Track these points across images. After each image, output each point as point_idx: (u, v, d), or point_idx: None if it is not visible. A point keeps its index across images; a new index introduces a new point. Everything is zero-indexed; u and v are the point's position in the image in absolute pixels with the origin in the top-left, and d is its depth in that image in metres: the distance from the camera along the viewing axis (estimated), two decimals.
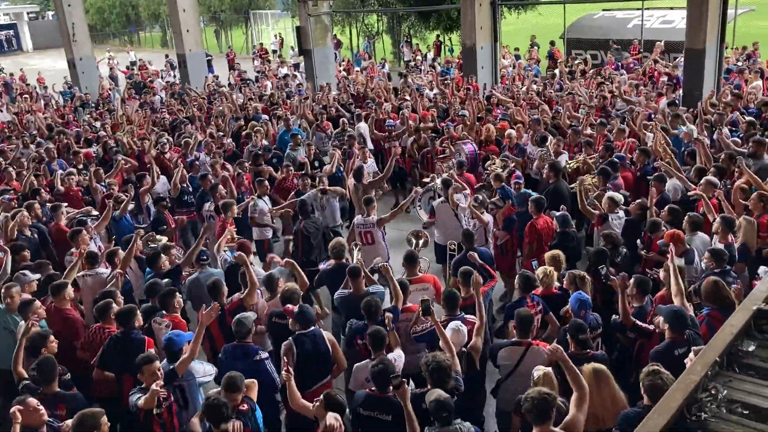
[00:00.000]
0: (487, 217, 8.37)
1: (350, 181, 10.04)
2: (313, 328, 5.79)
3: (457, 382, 4.96)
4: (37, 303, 6.33)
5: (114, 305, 6.25)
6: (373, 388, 5.02)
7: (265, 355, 5.86)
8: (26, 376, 5.50)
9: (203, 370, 5.59)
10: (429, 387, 4.81)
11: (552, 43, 22.73)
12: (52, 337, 5.83)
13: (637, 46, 20.06)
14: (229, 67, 27.36)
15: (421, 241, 7.58)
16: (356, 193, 9.80)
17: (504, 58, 20.59)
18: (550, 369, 4.84)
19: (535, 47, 22.75)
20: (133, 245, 7.44)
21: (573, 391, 4.52)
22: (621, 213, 8.00)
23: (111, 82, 24.21)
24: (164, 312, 6.30)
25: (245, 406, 4.86)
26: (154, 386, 4.96)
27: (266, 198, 9.79)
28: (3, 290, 6.66)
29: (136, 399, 5.07)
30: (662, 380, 4.21)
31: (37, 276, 7.26)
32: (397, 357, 5.54)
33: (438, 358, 4.82)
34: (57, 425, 4.88)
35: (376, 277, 6.86)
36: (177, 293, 6.41)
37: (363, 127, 13.10)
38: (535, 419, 4.18)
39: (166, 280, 6.98)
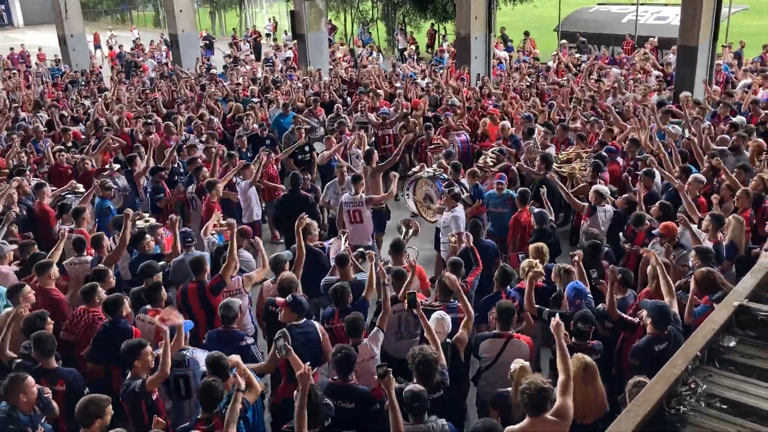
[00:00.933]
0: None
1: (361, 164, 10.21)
2: (305, 319, 5.71)
3: (443, 376, 4.98)
4: (27, 288, 6.24)
5: (100, 288, 6.18)
6: (335, 377, 5.03)
7: (250, 340, 5.85)
8: (14, 356, 5.46)
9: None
10: (414, 380, 4.81)
11: (526, 34, 22.71)
12: (48, 318, 5.75)
13: (630, 41, 20.08)
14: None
15: (411, 230, 7.58)
16: (365, 174, 9.82)
17: (497, 48, 20.56)
18: (527, 363, 4.86)
19: (529, 40, 22.72)
20: (126, 227, 7.22)
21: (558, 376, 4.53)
22: (607, 206, 8.04)
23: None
24: (149, 307, 6.15)
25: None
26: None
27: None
28: None
29: (139, 382, 5.02)
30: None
31: (13, 247, 7.22)
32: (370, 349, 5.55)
33: (425, 351, 4.82)
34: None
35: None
36: (163, 287, 6.26)
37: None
38: (531, 411, 4.20)
39: (162, 263, 6.88)
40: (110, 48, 27.74)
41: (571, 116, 11.73)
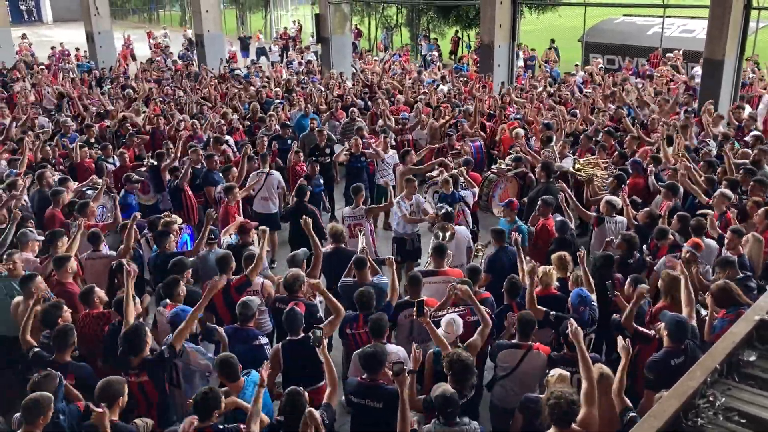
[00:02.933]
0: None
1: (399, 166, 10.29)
2: (302, 335, 5.58)
3: (474, 380, 4.98)
4: (39, 278, 6.32)
5: (96, 290, 6.24)
6: (364, 376, 5.04)
7: (264, 340, 5.89)
8: (35, 344, 5.54)
9: (204, 362, 5.56)
10: (449, 383, 4.81)
11: (552, 41, 22.64)
12: (65, 307, 5.84)
13: (658, 53, 19.88)
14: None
15: (447, 234, 7.56)
16: (400, 176, 9.91)
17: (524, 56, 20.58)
18: (566, 373, 4.84)
19: (553, 49, 22.66)
20: (130, 229, 7.31)
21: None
22: (619, 218, 7.99)
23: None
24: (167, 301, 6.20)
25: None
26: None
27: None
28: (5, 257, 6.72)
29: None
30: None
31: (41, 239, 7.34)
32: (396, 351, 5.56)
33: (462, 356, 4.83)
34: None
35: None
36: (181, 282, 6.30)
37: None
38: (556, 421, 4.20)
39: (192, 259, 6.97)
40: (126, 46, 27.99)
41: (594, 127, 11.70)
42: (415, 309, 5.52)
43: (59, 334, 5.35)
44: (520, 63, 20.61)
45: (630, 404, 4.57)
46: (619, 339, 4.79)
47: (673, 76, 16.52)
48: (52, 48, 25.32)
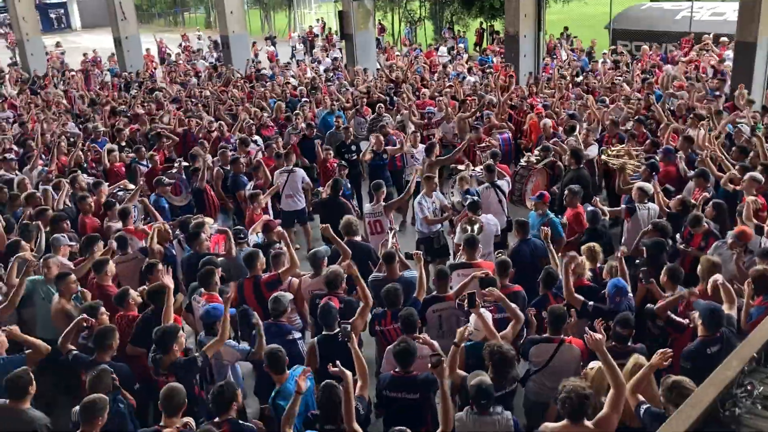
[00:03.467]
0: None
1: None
2: (337, 329, 5.63)
3: (515, 372, 5.02)
4: (72, 277, 6.46)
5: (131, 292, 6.35)
6: (397, 369, 5.08)
7: (298, 335, 5.97)
8: (72, 348, 5.66)
9: (233, 354, 5.67)
10: (489, 374, 4.84)
11: (566, 28, 22.31)
12: (102, 309, 5.96)
13: (691, 39, 19.46)
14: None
15: (476, 227, 7.54)
16: (424, 168, 9.96)
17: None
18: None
19: (578, 38, 22.36)
20: (153, 236, 7.45)
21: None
22: (650, 204, 7.89)
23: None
24: (203, 290, 6.36)
25: None
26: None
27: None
28: (41, 261, 6.86)
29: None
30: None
31: (73, 243, 7.49)
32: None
33: (503, 349, 4.85)
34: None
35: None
36: (216, 272, 6.43)
37: None
38: (570, 417, 4.20)
39: (221, 259, 7.06)
40: (159, 50, 28.31)
41: (624, 115, 11.56)
42: (466, 301, 5.51)
43: (100, 334, 5.47)
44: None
45: (642, 399, 4.51)
46: (588, 334, 4.68)
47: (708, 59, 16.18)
48: (85, 54, 25.78)
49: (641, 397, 4.53)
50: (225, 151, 10.48)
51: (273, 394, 5.03)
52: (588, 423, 4.22)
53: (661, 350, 4.65)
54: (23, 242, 7.44)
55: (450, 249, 8.66)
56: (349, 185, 10.17)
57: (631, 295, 6.02)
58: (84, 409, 4.52)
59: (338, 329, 5.56)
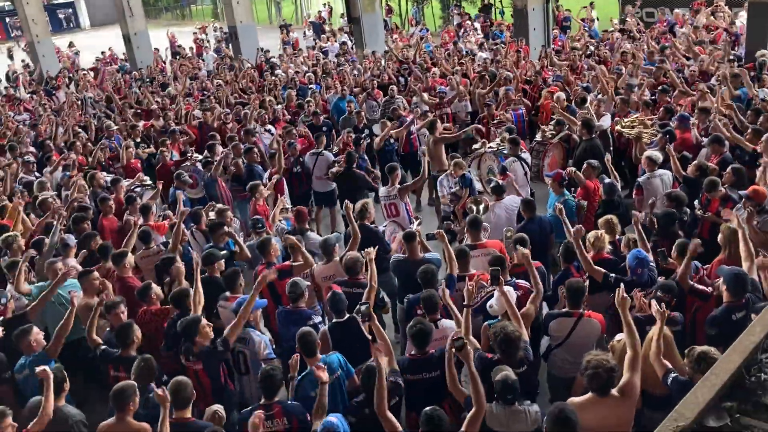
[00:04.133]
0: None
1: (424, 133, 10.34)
2: (347, 316, 5.69)
3: (527, 352, 5.00)
4: (95, 273, 6.53)
5: (153, 286, 6.41)
6: (413, 352, 5.12)
7: (318, 319, 5.98)
8: (100, 341, 5.76)
9: (263, 344, 5.71)
10: (497, 357, 4.87)
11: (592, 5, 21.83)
12: (122, 306, 6.03)
13: (703, 2, 19.10)
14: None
15: (481, 207, 7.52)
16: (428, 144, 10.01)
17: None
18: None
19: (590, 7, 22.01)
20: (178, 227, 7.47)
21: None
22: (662, 171, 7.84)
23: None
24: (228, 294, 6.32)
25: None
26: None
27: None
28: (46, 266, 6.94)
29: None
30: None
31: (75, 241, 7.53)
32: (451, 325, 5.58)
33: (507, 329, 4.83)
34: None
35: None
36: (241, 274, 6.42)
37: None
38: (596, 390, 4.23)
39: (224, 252, 7.08)
40: (171, 45, 28.28)
41: (638, 82, 11.43)
42: (490, 277, 5.52)
43: (121, 330, 5.57)
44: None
45: (670, 366, 4.51)
46: (653, 303, 4.73)
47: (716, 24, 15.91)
48: (102, 52, 25.89)
49: (669, 365, 4.53)
50: (237, 144, 10.52)
51: (300, 376, 5.06)
52: (613, 392, 4.24)
53: (656, 309, 4.66)
54: (46, 239, 7.54)
55: None
56: (365, 156, 10.36)
57: (653, 265, 5.98)
58: (115, 397, 4.67)
59: (348, 316, 5.62)
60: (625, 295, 4.64)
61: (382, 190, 8.64)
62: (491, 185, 7.97)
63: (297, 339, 5.13)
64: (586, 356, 4.40)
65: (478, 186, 9.42)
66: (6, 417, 4.62)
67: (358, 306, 5.23)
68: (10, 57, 29.38)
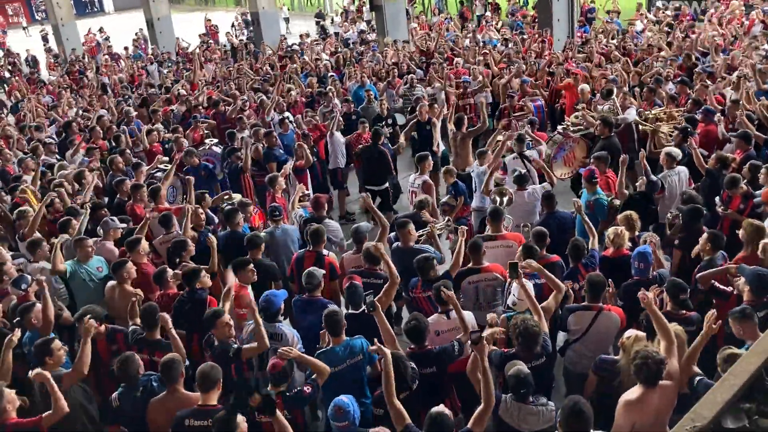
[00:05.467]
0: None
1: (450, 128, 10.18)
2: (362, 310, 5.68)
3: (545, 343, 4.99)
4: (130, 264, 6.57)
5: (168, 270, 6.44)
6: (412, 346, 5.13)
7: (334, 307, 5.97)
8: (139, 323, 5.84)
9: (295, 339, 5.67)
10: (516, 350, 4.87)
11: None
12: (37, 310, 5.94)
13: None
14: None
15: (505, 199, 7.46)
16: (454, 141, 9.92)
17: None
18: (642, 333, 4.78)
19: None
20: (187, 219, 7.44)
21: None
22: (679, 168, 7.73)
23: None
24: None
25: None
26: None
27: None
28: (73, 242, 7.04)
29: (235, 347, 5.32)
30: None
31: (123, 225, 7.61)
32: (468, 317, 5.57)
33: (527, 323, 4.83)
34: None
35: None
36: (250, 265, 6.36)
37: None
38: (644, 381, 4.23)
39: (263, 234, 7.14)
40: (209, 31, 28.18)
41: (665, 75, 11.28)
42: (509, 271, 5.50)
43: (145, 313, 5.64)
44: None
45: (700, 371, 4.52)
46: (710, 313, 4.68)
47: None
48: (136, 34, 26.01)
49: (697, 369, 4.54)
50: (258, 129, 10.53)
51: (318, 353, 5.10)
52: (661, 381, 4.26)
53: (709, 313, 4.63)
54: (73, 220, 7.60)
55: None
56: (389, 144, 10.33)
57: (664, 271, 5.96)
58: (164, 370, 4.85)
59: (363, 308, 5.63)
60: (648, 294, 4.65)
61: (412, 177, 8.65)
62: (515, 174, 7.91)
63: (324, 318, 5.17)
64: (635, 347, 4.41)
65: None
66: (2, 391, 4.64)
67: (363, 297, 5.22)
68: (45, 39, 29.35)
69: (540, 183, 8.73)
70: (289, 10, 35.00)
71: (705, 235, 5.96)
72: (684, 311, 5.25)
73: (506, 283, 5.94)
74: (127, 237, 7.17)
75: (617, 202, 7.39)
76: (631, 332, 4.80)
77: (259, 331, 5.25)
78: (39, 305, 5.81)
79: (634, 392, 4.29)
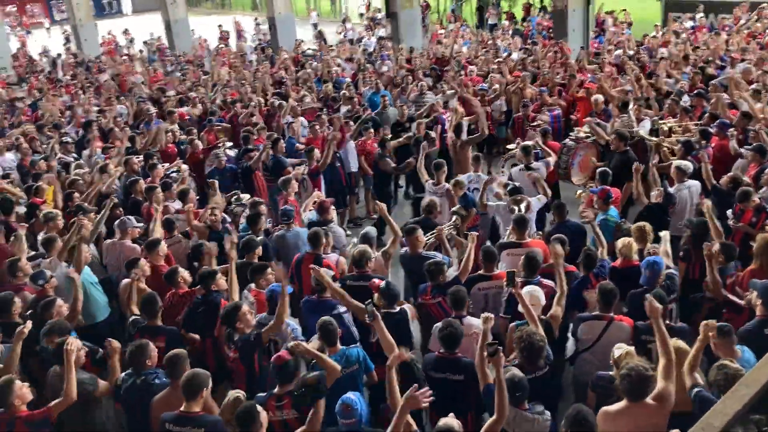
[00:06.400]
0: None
1: (450, 136, 10.18)
2: (398, 309, 5.75)
3: (548, 354, 4.97)
4: (143, 261, 6.65)
5: (180, 270, 6.51)
6: (442, 350, 5.12)
7: (343, 309, 5.96)
8: (137, 312, 5.99)
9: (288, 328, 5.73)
10: (517, 360, 4.88)
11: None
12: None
13: (745, 6, 18.71)
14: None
15: (523, 206, 7.46)
16: (453, 148, 9.93)
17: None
18: (632, 348, 4.77)
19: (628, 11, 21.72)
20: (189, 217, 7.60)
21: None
22: (690, 182, 7.69)
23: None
24: (252, 286, 6.36)
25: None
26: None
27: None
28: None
29: (254, 333, 5.40)
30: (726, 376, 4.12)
31: (141, 224, 7.69)
32: (478, 323, 5.58)
33: (533, 338, 4.82)
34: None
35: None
36: (268, 270, 6.39)
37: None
38: (630, 396, 4.16)
39: (260, 238, 7.14)
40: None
41: (679, 87, 11.27)
42: (506, 279, 5.51)
43: (146, 302, 5.81)
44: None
45: (700, 381, 4.43)
46: (707, 321, 4.58)
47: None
48: (158, 37, 26.19)
49: (698, 378, 4.46)
50: (270, 134, 10.62)
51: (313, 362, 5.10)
52: (649, 400, 4.18)
53: (704, 322, 4.54)
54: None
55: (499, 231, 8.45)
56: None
57: (671, 271, 6.00)
58: (170, 365, 4.90)
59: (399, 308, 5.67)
60: (656, 304, 4.53)
61: (429, 185, 8.58)
62: (509, 187, 7.88)
63: (318, 328, 5.17)
64: (623, 361, 4.37)
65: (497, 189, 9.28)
66: (12, 384, 4.71)
67: (364, 306, 5.19)
68: (68, 39, 29.48)
69: (552, 196, 8.73)
70: (318, 15, 35.14)
71: (718, 245, 5.95)
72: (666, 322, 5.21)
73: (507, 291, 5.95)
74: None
75: (626, 225, 7.13)
76: (621, 347, 4.78)
77: (280, 310, 5.39)
78: (60, 300, 5.92)
79: (616, 405, 4.23)
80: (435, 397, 4.83)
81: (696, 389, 4.35)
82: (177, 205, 8.40)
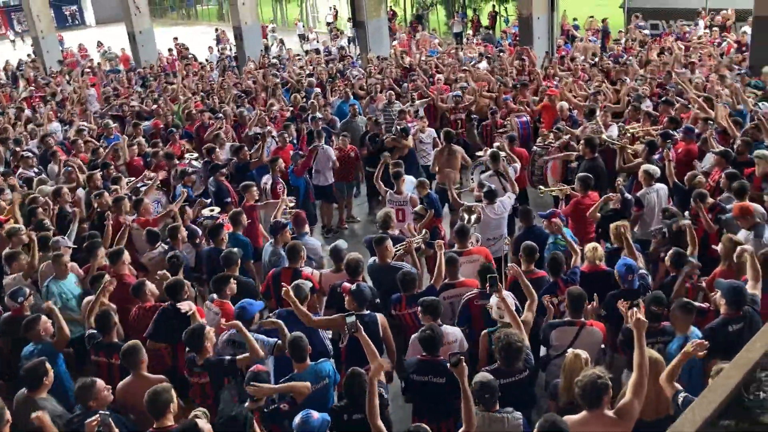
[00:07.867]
0: None
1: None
2: (368, 312, 5.74)
3: (528, 357, 4.97)
4: (107, 276, 6.48)
5: (147, 283, 6.40)
6: (424, 354, 5.10)
7: (299, 333, 5.89)
8: (94, 326, 5.87)
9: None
10: (498, 364, 4.86)
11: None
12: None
13: (705, 16, 19.15)
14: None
15: (473, 216, 7.50)
16: (441, 154, 9.98)
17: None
18: (581, 351, 4.76)
19: (595, 18, 22.08)
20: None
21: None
22: (658, 185, 7.80)
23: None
24: (215, 296, 6.28)
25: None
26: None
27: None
28: (52, 260, 6.92)
29: (228, 359, 5.28)
30: None
31: (69, 243, 7.51)
32: (453, 332, 5.59)
33: (510, 338, 4.80)
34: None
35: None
36: (231, 280, 6.32)
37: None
38: (586, 405, 4.13)
39: (237, 249, 7.00)
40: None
41: (641, 92, 11.45)
42: (488, 284, 5.47)
43: (100, 318, 5.73)
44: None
45: (680, 387, 4.43)
46: (634, 311, 4.43)
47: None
48: (122, 49, 25.67)
49: (678, 386, 4.45)
50: (241, 146, 10.53)
51: (283, 379, 5.04)
52: (609, 412, 4.15)
53: (698, 341, 4.49)
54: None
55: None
56: None
57: (643, 272, 6.09)
58: (125, 356, 5.11)
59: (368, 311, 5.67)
60: (641, 317, 4.36)
61: (390, 194, 8.56)
62: (484, 190, 7.92)
63: (288, 344, 5.10)
64: (564, 372, 4.42)
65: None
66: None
67: (344, 317, 5.14)
68: (34, 52, 28.78)
69: (520, 201, 8.82)
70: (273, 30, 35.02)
71: (669, 253, 6.04)
72: (658, 324, 5.26)
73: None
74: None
75: (579, 248, 6.79)
76: (570, 352, 4.79)
77: (250, 343, 5.24)
78: (44, 318, 5.79)
79: (577, 416, 4.18)
80: (418, 400, 4.83)
81: (682, 395, 4.33)
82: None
